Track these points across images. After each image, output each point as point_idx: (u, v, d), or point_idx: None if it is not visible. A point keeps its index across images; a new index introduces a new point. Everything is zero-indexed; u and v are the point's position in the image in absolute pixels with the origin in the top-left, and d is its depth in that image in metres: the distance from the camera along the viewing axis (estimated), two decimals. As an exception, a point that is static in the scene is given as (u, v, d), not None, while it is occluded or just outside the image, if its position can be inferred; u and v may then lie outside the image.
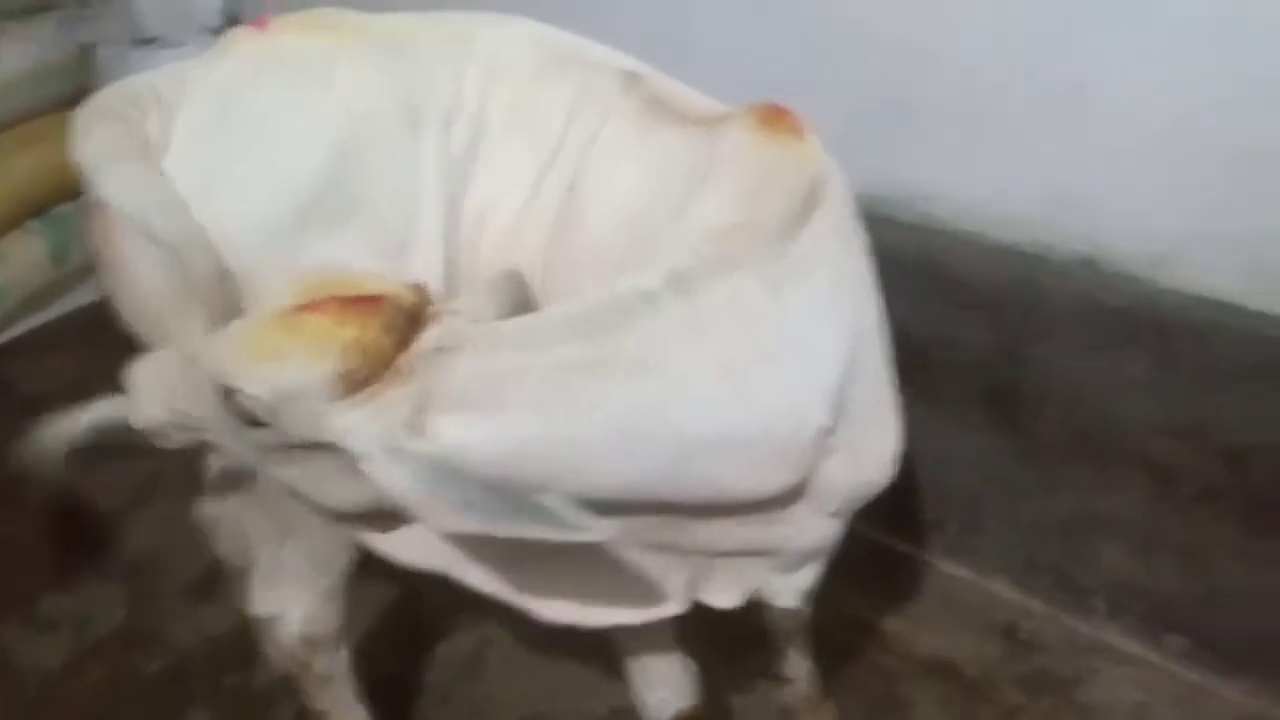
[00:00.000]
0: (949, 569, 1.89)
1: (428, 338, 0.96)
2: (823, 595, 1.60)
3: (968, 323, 1.66)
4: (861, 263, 1.16)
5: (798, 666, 1.62)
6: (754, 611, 1.53)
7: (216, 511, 1.62)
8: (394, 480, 0.93)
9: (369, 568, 1.78)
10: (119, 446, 2.23)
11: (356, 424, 0.93)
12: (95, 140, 1.10)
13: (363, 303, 0.94)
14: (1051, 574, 1.79)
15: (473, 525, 0.90)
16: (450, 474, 0.92)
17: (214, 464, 1.58)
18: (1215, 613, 1.66)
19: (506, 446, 0.95)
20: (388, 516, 1.07)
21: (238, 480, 1.32)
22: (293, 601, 1.36)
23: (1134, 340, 1.53)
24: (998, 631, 1.79)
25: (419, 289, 1.01)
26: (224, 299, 1.07)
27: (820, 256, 1.09)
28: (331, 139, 1.12)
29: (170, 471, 1.97)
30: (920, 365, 1.72)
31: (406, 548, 1.13)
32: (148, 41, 2.43)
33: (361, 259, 1.15)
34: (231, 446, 1.03)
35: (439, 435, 0.93)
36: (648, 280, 1.01)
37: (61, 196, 2.46)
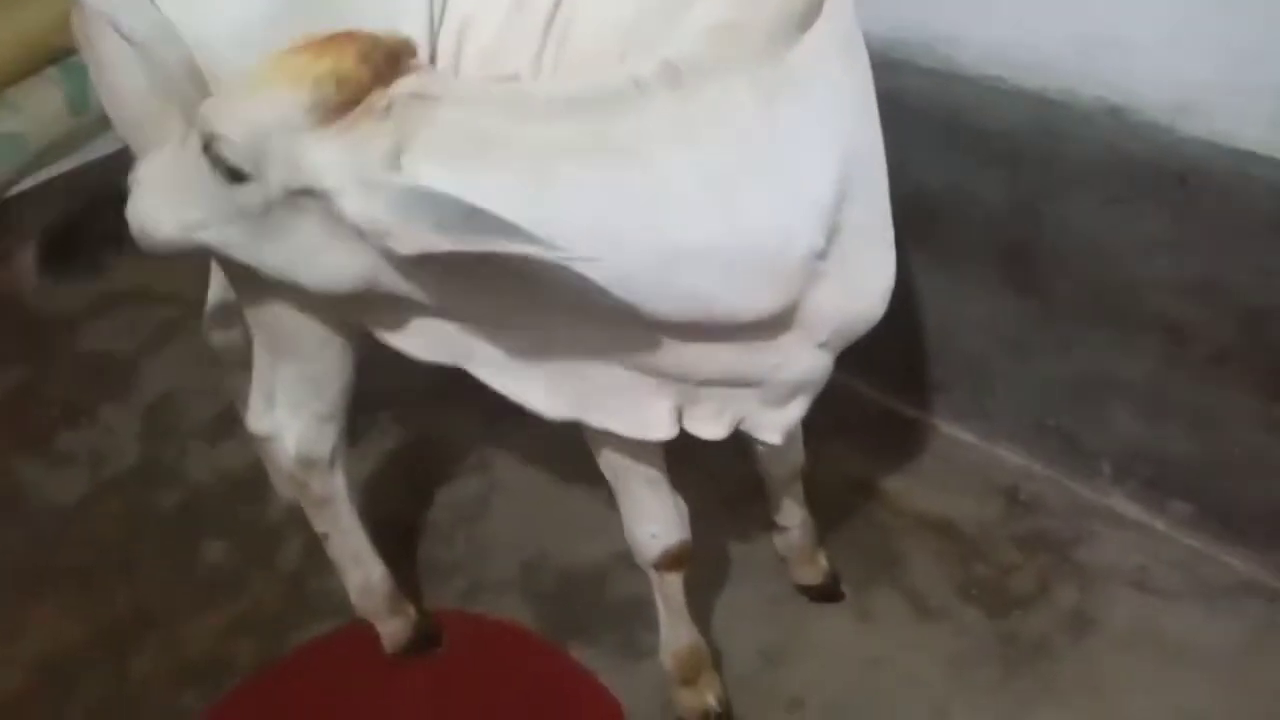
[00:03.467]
0: (954, 432, 1.88)
1: (408, 82, 0.97)
2: (824, 454, 1.61)
3: (986, 175, 1.62)
4: (862, 81, 1.11)
5: (793, 515, 1.63)
6: (755, 464, 1.54)
7: (222, 339, 1.65)
8: (368, 210, 0.94)
9: (375, 404, 1.80)
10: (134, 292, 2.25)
11: (331, 158, 0.94)
12: None
13: (339, 37, 0.96)
14: (1058, 437, 1.77)
15: (446, 244, 0.90)
16: (424, 198, 0.92)
17: (213, 292, 1.61)
18: (1221, 479, 1.64)
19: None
20: (377, 300, 1.08)
21: (233, 311, 1.33)
22: (288, 423, 1.38)
23: (1155, 192, 1.48)
24: (999, 493, 1.78)
25: (405, 38, 1.01)
26: (202, 100, 1.06)
27: (817, 69, 1.05)
28: None
29: (185, 319, 2.01)
30: (933, 221, 1.68)
31: (414, 342, 1.14)
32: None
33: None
34: (219, 236, 1.04)
35: (415, 176, 0.94)
36: (641, 68, 1.00)
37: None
